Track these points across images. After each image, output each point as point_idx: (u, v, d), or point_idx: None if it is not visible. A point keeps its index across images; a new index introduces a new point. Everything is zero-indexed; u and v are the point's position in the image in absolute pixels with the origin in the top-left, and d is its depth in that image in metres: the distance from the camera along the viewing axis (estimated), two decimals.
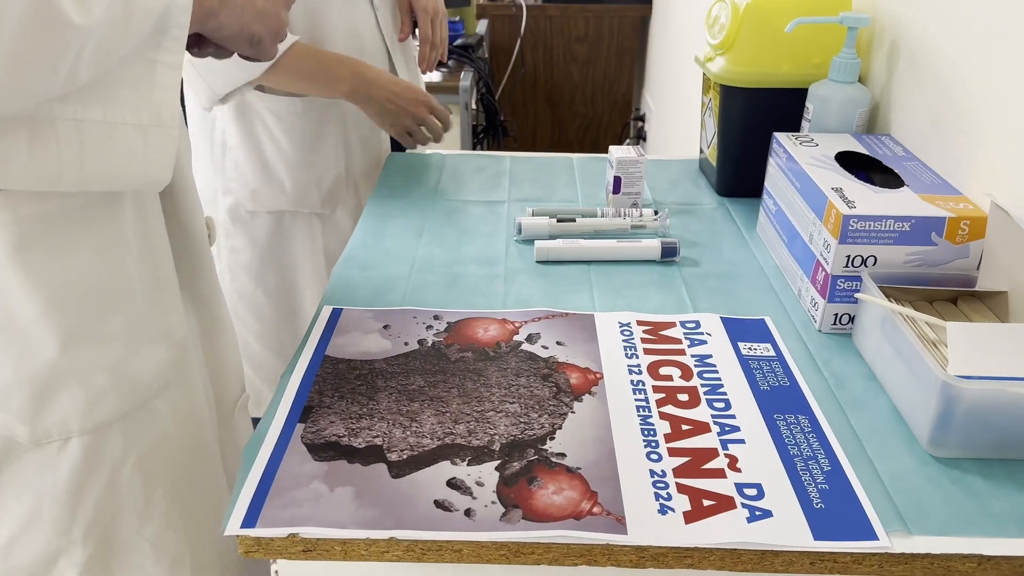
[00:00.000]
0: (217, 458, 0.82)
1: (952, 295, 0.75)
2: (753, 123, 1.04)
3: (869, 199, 0.76)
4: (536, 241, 0.95)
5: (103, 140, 0.56)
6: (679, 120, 2.26)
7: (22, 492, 0.67)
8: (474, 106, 2.37)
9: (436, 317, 0.81)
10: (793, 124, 1.02)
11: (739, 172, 1.09)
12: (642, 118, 2.90)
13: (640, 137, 2.86)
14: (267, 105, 1.20)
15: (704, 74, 1.11)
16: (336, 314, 0.82)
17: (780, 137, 0.92)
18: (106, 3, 0.51)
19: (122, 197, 0.65)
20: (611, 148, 1.09)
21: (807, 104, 0.97)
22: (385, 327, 0.79)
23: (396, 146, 1.36)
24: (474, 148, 2.44)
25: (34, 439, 0.65)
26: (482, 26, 2.77)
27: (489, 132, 2.60)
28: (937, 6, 0.86)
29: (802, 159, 0.86)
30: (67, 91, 0.54)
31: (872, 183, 0.82)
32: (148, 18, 0.55)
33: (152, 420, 0.72)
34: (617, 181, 1.07)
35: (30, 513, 0.68)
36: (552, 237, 0.98)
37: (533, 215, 1.03)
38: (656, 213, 1.02)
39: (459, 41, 2.43)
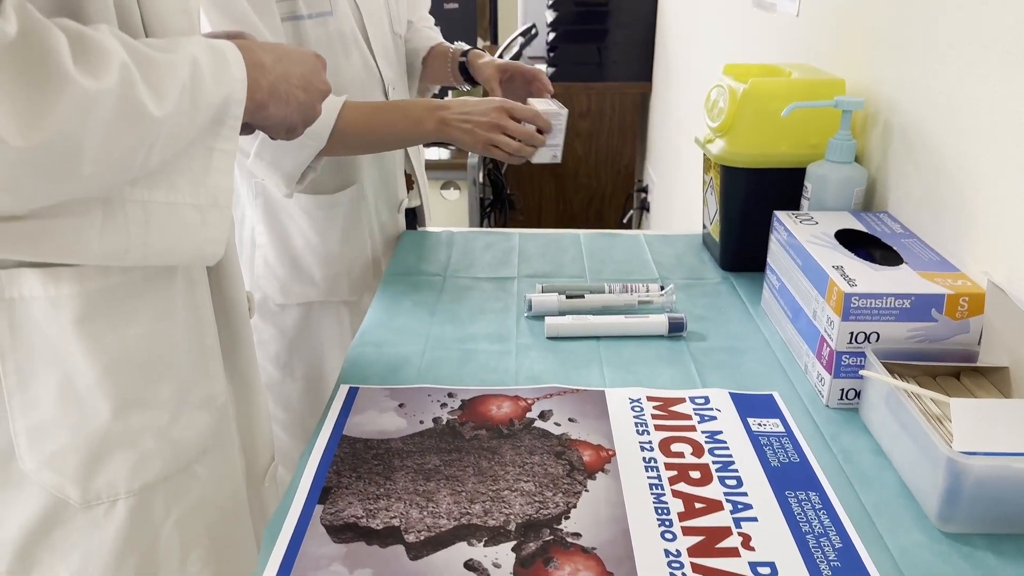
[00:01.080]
0: (248, 523, 0.84)
1: (955, 370, 0.76)
2: (754, 201, 1.07)
3: (870, 277, 0.78)
4: (546, 317, 0.97)
5: (166, 219, 0.61)
6: (681, 192, 2.31)
7: (69, 553, 0.69)
8: (481, 181, 2.43)
9: (450, 394, 0.83)
10: (793, 201, 1.05)
11: (742, 248, 1.12)
12: (645, 189, 2.95)
13: (644, 208, 2.92)
14: (296, 203, 1.23)
15: (704, 154, 1.15)
16: (353, 393, 0.84)
17: (781, 215, 0.96)
18: (178, 96, 0.56)
19: (175, 271, 0.69)
20: (531, 100, 1.13)
21: (806, 183, 1.01)
22: (400, 405, 0.81)
23: (410, 224, 1.39)
24: (482, 222, 2.49)
25: (84, 501, 0.67)
26: None
27: (496, 206, 2.66)
28: (927, 91, 0.90)
29: (803, 237, 0.89)
30: (139, 175, 0.59)
31: (872, 260, 0.85)
32: (210, 109, 0.61)
33: (192, 483, 0.74)
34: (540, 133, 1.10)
35: (76, 574, 0.69)
36: (562, 313, 1.01)
37: (542, 291, 1.06)
38: (662, 288, 1.04)
39: None
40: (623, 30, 2.88)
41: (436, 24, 1.48)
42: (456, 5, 2.40)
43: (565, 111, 1.13)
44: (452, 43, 1.40)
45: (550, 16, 2.91)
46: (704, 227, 1.24)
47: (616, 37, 2.89)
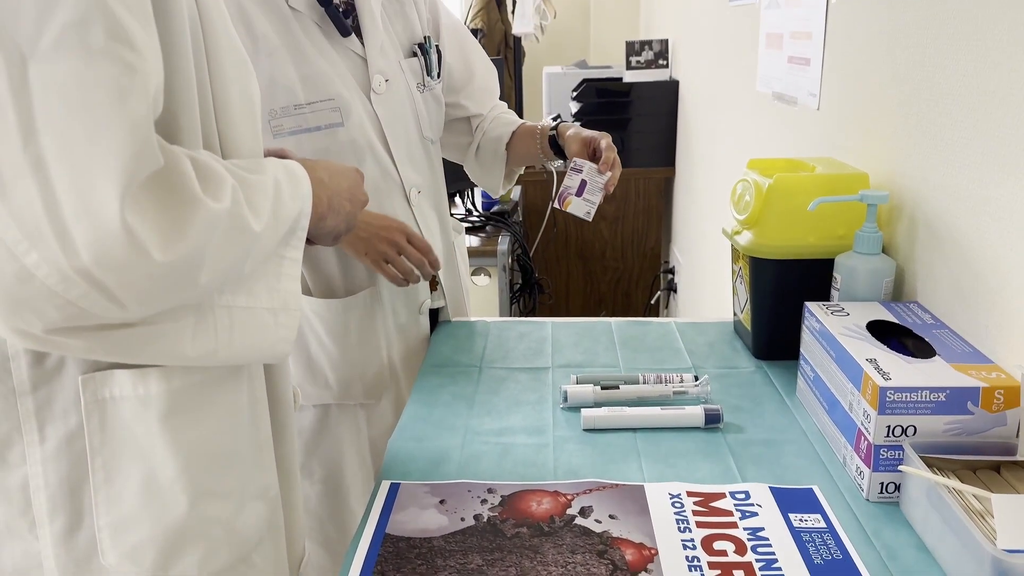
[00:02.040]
0: None
1: (995, 464, 0.76)
2: (784, 291, 1.09)
3: (903, 370, 0.79)
4: (583, 410, 0.99)
5: (247, 322, 0.66)
6: (707, 274, 2.33)
7: None
8: (511, 266, 2.48)
9: (490, 490, 0.84)
10: (823, 290, 1.07)
11: (775, 337, 1.13)
12: (672, 271, 2.98)
13: (671, 289, 2.94)
14: (309, 306, 1.25)
15: (732, 245, 1.18)
16: (394, 489, 0.85)
17: (812, 307, 0.97)
18: (269, 213, 0.63)
19: (242, 368, 0.74)
20: (575, 159, 1.19)
21: (835, 274, 1.03)
22: (441, 502, 0.82)
23: (433, 321, 1.38)
24: (511, 306, 2.53)
25: None
26: (516, 192, 2.93)
27: (525, 290, 2.70)
28: (950, 184, 0.93)
29: (835, 329, 0.90)
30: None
31: (905, 350, 0.86)
32: (287, 223, 0.68)
33: (249, 572, 0.77)
34: (583, 185, 1.13)
35: None
36: (597, 405, 1.02)
37: (577, 383, 1.08)
38: (696, 379, 1.05)
39: (495, 208, 2.57)
40: (645, 118, 2.96)
41: None
42: None
43: (606, 175, 1.18)
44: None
45: (574, 107, 3.00)
46: (735, 315, 1.25)
47: (638, 125, 2.97)
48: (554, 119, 2.85)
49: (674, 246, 3.02)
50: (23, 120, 0.49)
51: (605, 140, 1.27)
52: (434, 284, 1.37)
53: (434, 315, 1.40)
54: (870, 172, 1.10)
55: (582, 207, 1.23)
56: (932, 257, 0.97)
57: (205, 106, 0.65)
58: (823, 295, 1.07)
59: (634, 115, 2.96)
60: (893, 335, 0.91)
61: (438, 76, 1.31)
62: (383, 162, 1.23)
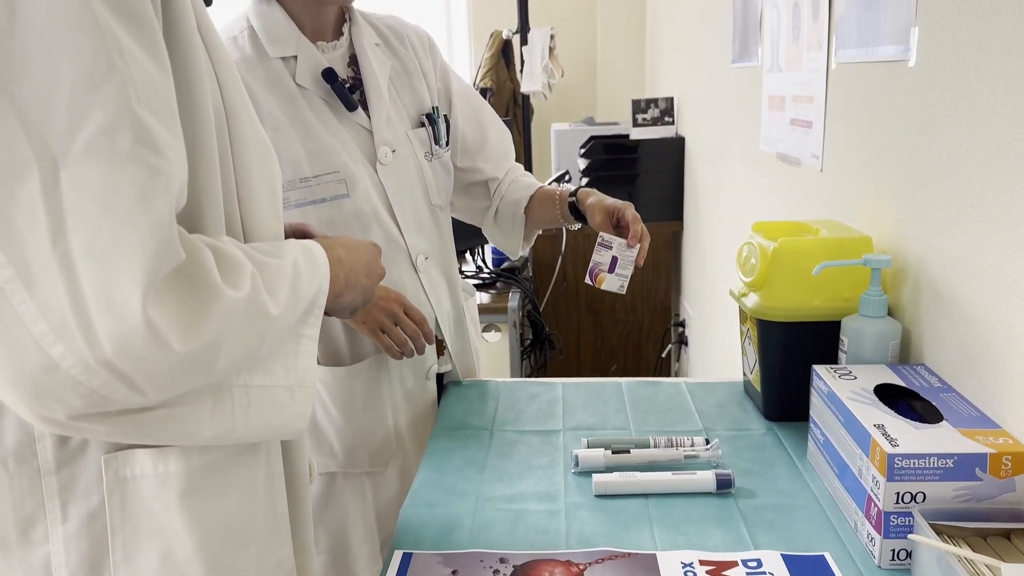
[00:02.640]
0: None
1: (1005, 531, 0.76)
2: (793, 353, 1.10)
3: (911, 436, 0.80)
4: (594, 475, 0.99)
5: (263, 401, 0.68)
6: (717, 328, 2.34)
7: None
8: (521, 321, 2.50)
9: (502, 560, 0.84)
10: (831, 352, 1.08)
11: (784, 398, 1.14)
12: (682, 323, 2.99)
13: (682, 342, 2.94)
14: (317, 374, 1.26)
15: (740, 306, 1.19)
16: (406, 560, 0.85)
17: (819, 370, 0.98)
18: (286, 296, 0.65)
19: (259, 444, 0.75)
20: (603, 235, 1.20)
21: (842, 337, 1.04)
22: (454, 572, 0.83)
23: (441, 384, 1.39)
24: (522, 362, 2.54)
25: None
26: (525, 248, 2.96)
27: (536, 346, 2.71)
28: (953, 250, 0.94)
29: (843, 393, 0.91)
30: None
31: (913, 413, 0.87)
32: (305, 302, 0.70)
33: None
34: (614, 261, 1.14)
35: None
36: (608, 469, 1.02)
37: (588, 446, 1.08)
38: (708, 442, 1.06)
39: (506, 265, 2.60)
40: (652, 174, 3.00)
41: None
42: None
43: (635, 248, 1.21)
44: (558, 184, 1.42)
45: (583, 163, 3.05)
46: (745, 375, 1.26)
47: (646, 180, 3.01)
48: (561, 175, 2.91)
49: (684, 299, 3.04)
50: (53, 220, 0.52)
51: (630, 211, 1.28)
52: (441, 348, 1.38)
53: (442, 378, 1.41)
54: (874, 234, 1.11)
55: (615, 283, 1.25)
56: (937, 320, 0.98)
57: (229, 193, 0.68)
58: (831, 357, 1.08)
59: (641, 171, 3.01)
60: (901, 396, 0.92)
61: (446, 144, 1.35)
62: (389, 230, 1.25)
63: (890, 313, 1.04)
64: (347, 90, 1.21)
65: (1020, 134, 0.80)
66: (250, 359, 0.65)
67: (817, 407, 0.99)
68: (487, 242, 2.61)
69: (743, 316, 1.21)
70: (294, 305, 0.67)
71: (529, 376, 2.79)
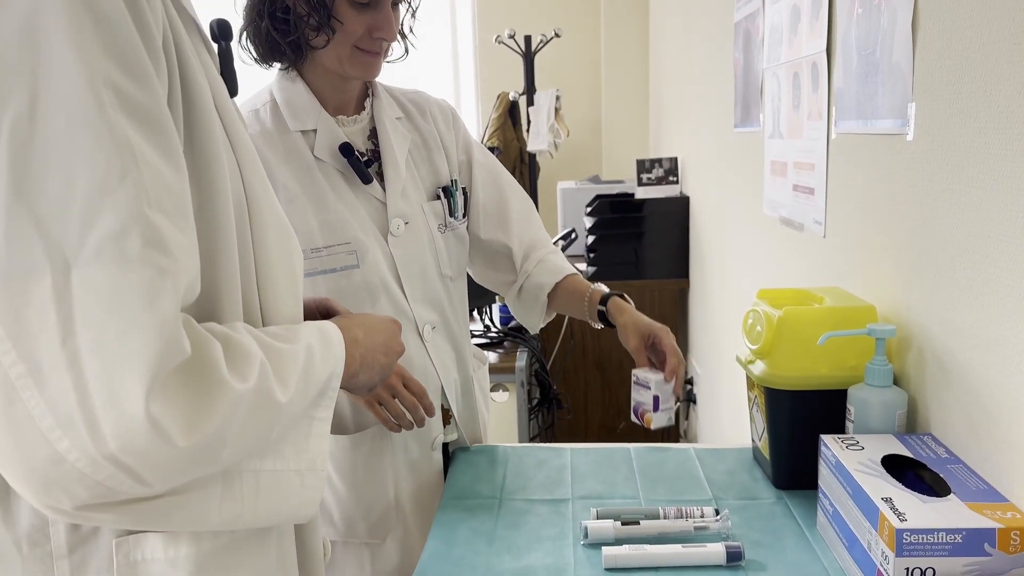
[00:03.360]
0: None
1: None
2: (800, 421, 1.10)
3: (919, 510, 0.80)
4: (603, 548, 0.99)
5: (273, 485, 0.69)
6: (726, 388, 2.34)
7: None
8: (528, 380, 2.50)
9: None
10: (839, 420, 1.08)
11: (794, 466, 1.14)
12: (690, 381, 2.99)
13: (691, 400, 2.94)
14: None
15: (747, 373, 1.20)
16: None
17: (827, 440, 0.99)
18: (296, 382, 0.66)
19: (271, 527, 0.75)
20: (637, 371, 1.22)
21: (848, 406, 1.05)
22: None
23: (445, 461, 1.38)
24: (529, 421, 2.53)
25: None
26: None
27: (543, 405, 2.71)
28: (956, 321, 0.95)
29: (851, 465, 0.91)
30: None
31: (921, 483, 0.87)
32: (317, 386, 0.71)
33: None
34: (656, 400, 1.14)
35: None
36: (618, 541, 1.02)
37: (598, 517, 1.08)
38: (717, 513, 1.06)
39: (513, 324, 2.61)
40: (658, 232, 3.04)
41: None
42: None
43: (672, 382, 1.24)
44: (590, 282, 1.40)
45: (589, 221, 3.09)
46: (753, 441, 1.26)
47: (651, 238, 3.04)
48: (567, 234, 2.93)
49: (692, 356, 3.04)
50: (63, 320, 0.54)
51: (667, 340, 1.26)
52: (448, 417, 1.38)
53: (447, 446, 1.40)
54: (878, 303, 1.13)
55: (663, 419, 1.26)
56: (943, 390, 0.99)
57: (248, 279, 0.69)
58: (839, 424, 1.08)
59: (647, 229, 3.04)
60: (909, 467, 0.92)
61: (463, 215, 1.37)
62: (396, 300, 1.26)
63: (896, 382, 1.05)
64: (364, 163, 1.24)
65: (1020, 210, 0.82)
66: (260, 446, 0.66)
67: (825, 478, 0.99)
68: (495, 301, 2.64)
69: (750, 383, 1.22)
70: (305, 390, 0.68)
71: (537, 436, 2.78)
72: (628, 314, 1.31)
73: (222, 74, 0.73)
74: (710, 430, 2.66)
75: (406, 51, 1.31)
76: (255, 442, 0.64)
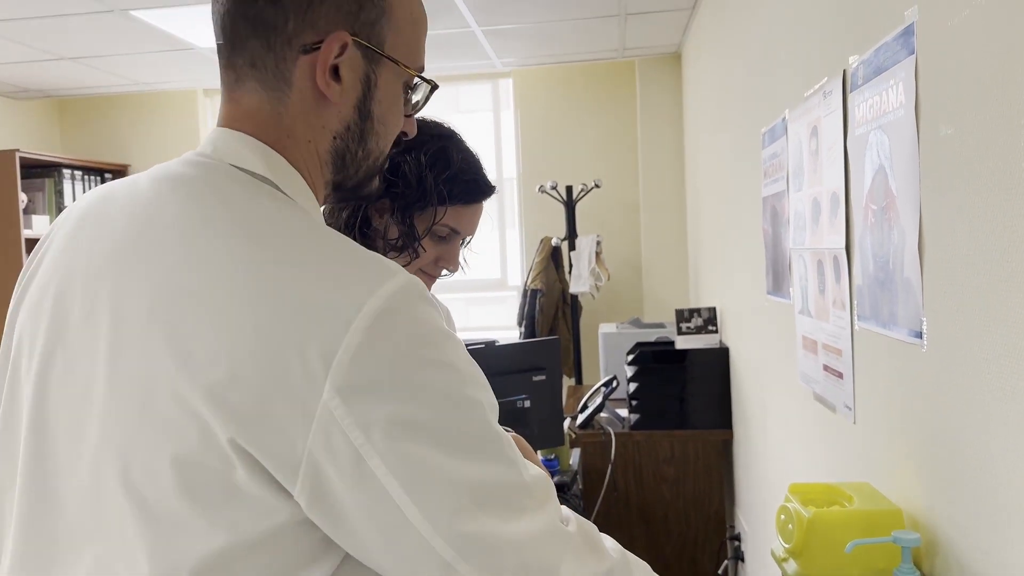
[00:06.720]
0: None
1: None
2: None
3: None
4: None
5: None
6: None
7: None
8: None
9: None
10: None
11: None
12: (737, 537, 2.94)
13: (739, 558, 2.88)
14: None
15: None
16: None
17: None
18: None
19: None
20: None
21: None
22: None
23: None
24: None
25: None
26: (575, 454, 3.01)
27: None
28: (977, 535, 0.98)
29: None
30: None
31: None
32: None
33: None
34: None
35: None
36: None
37: None
38: None
39: (555, 480, 2.64)
40: (699, 382, 3.08)
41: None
42: (544, 378, 2.63)
43: None
44: None
45: (630, 370, 3.15)
46: None
47: (693, 388, 3.08)
48: (609, 381, 2.96)
49: (738, 510, 3.01)
50: None
51: None
52: None
53: None
54: (905, 502, 1.16)
55: None
56: None
57: None
58: None
59: (688, 379, 3.09)
60: None
61: None
62: None
63: None
64: None
65: None
66: None
67: None
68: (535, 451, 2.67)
69: None
70: None
71: None
72: None
73: None
74: None
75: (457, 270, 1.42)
76: None
